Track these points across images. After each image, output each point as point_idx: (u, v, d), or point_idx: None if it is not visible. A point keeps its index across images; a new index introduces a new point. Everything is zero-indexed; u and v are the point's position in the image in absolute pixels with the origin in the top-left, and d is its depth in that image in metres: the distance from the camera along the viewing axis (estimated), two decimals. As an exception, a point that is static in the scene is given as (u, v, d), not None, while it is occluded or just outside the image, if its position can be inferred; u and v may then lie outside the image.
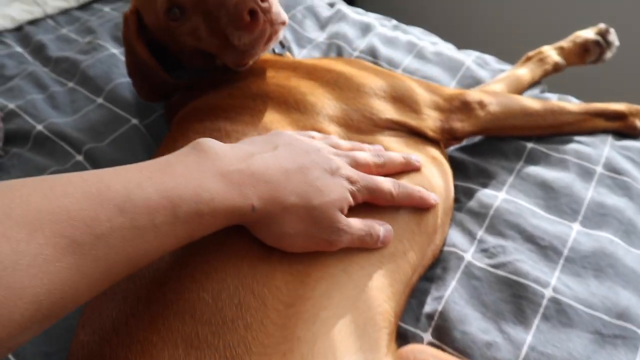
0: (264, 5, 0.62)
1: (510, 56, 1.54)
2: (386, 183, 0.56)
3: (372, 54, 0.99)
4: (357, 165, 0.56)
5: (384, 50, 1.00)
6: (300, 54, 1.01)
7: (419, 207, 0.60)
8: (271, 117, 0.65)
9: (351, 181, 0.54)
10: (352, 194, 0.53)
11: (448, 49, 1.05)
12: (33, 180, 0.36)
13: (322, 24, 1.10)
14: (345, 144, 0.60)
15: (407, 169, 0.62)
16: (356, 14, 1.13)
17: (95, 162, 0.79)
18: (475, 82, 0.94)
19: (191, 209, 0.41)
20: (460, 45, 1.27)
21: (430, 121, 0.70)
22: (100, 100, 0.90)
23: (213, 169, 0.44)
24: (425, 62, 0.98)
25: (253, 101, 0.67)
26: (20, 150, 0.83)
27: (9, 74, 1.00)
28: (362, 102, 0.67)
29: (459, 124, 0.71)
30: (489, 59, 1.01)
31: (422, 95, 0.71)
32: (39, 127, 0.85)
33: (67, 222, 0.34)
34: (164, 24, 0.70)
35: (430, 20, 2.21)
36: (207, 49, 0.70)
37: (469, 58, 0.98)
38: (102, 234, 0.36)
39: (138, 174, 0.40)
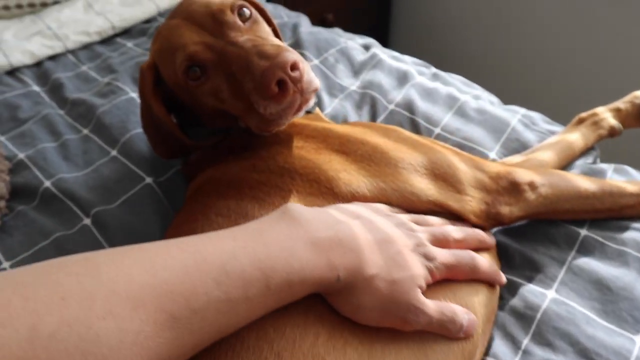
0: (294, 74, 0.56)
1: (560, 112, 1.43)
2: (465, 258, 0.55)
3: (409, 109, 0.91)
4: (435, 241, 0.55)
5: (421, 104, 0.92)
6: (331, 105, 0.93)
7: (493, 283, 0.58)
8: (304, 200, 0.58)
9: (429, 258, 0.52)
10: (431, 271, 0.52)
11: (492, 104, 0.96)
12: (134, 250, 0.37)
13: (356, 70, 1.03)
14: (422, 219, 0.58)
15: (482, 246, 0.60)
16: (393, 59, 1.06)
17: (103, 227, 0.73)
18: (521, 146, 0.85)
19: (282, 279, 0.41)
20: (503, 92, 1.17)
21: (474, 203, 0.62)
22: (114, 152, 0.85)
23: (304, 237, 0.44)
24: (467, 120, 0.89)
25: (280, 177, 0.60)
26: (25, 208, 0.77)
27: (23, 117, 0.95)
28: (400, 180, 0.60)
29: (506, 209, 0.63)
30: (537, 117, 0.92)
31: (466, 172, 0.63)
32: (47, 184, 0.79)
33: (167, 297, 0.35)
34: (182, 82, 0.64)
35: (469, 64, 2.12)
36: (229, 110, 0.64)
37: (515, 117, 0.90)
38: (199, 308, 0.37)
39: (232, 243, 0.41)
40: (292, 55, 0.56)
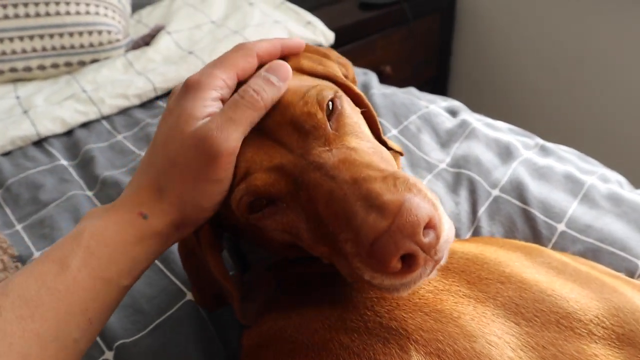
0: (428, 240, 0.34)
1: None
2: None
3: (519, 195, 0.71)
4: None
5: (535, 189, 0.72)
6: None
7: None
8: None
9: None
10: None
11: (620, 185, 0.76)
12: None
13: (444, 141, 0.84)
14: None
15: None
16: (488, 127, 0.86)
17: (129, 366, 0.55)
18: (679, 249, 0.63)
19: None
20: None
21: None
22: (148, 253, 0.67)
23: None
24: (599, 211, 0.68)
25: (385, 345, 0.39)
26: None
27: (45, 199, 0.79)
28: (572, 351, 0.39)
29: None
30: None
31: None
32: (63, 297, 0.62)
33: None
34: (241, 216, 0.43)
35: (534, 118, 1.91)
36: (308, 250, 0.43)
37: (663, 208, 0.69)
38: None
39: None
40: (423, 204, 0.34)
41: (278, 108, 0.42)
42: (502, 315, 0.41)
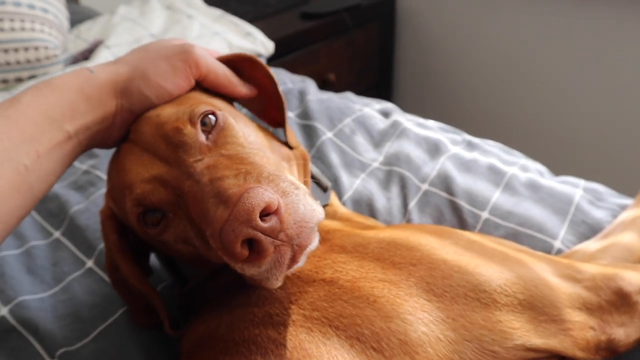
0: (270, 225, 0.36)
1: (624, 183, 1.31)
2: None
3: (447, 188, 0.76)
4: None
5: (461, 181, 0.76)
6: (351, 186, 0.78)
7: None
8: None
9: None
10: None
11: (541, 174, 0.81)
12: None
13: (377, 142, 0.88)
14: None
15: None
16: (418, 127, 0.91)
17: (72, 372, 0.56)
18: (590, 229, 0.69)
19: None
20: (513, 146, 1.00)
21: (577, 333, 0.45)
22: (89, 263, 0.68)
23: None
24: (519, 198, 0.74)
25: (308, 334, 0.42)
26: (-25, 344, 0.60)
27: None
28: (479, 320, 0.43)
29: (620, 332, 0.46)
30: (603, 191, 0.76)
31: (558, 287, 0.47)
32: (4, 311, 0.62)
33: None
34: (140, 232, 0.48)
35: (477, 120, 2.00)
36: (207, 257, 0.46)
37: (577, 192, 0.74)
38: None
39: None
40: (263, 192, 0.37)
41: (155, 125, 0.47)
42: (415, 294, 0.44)
